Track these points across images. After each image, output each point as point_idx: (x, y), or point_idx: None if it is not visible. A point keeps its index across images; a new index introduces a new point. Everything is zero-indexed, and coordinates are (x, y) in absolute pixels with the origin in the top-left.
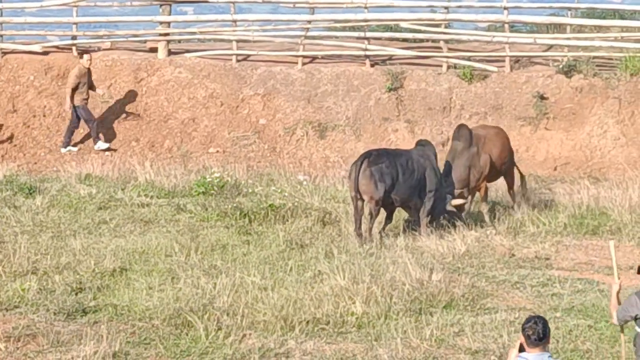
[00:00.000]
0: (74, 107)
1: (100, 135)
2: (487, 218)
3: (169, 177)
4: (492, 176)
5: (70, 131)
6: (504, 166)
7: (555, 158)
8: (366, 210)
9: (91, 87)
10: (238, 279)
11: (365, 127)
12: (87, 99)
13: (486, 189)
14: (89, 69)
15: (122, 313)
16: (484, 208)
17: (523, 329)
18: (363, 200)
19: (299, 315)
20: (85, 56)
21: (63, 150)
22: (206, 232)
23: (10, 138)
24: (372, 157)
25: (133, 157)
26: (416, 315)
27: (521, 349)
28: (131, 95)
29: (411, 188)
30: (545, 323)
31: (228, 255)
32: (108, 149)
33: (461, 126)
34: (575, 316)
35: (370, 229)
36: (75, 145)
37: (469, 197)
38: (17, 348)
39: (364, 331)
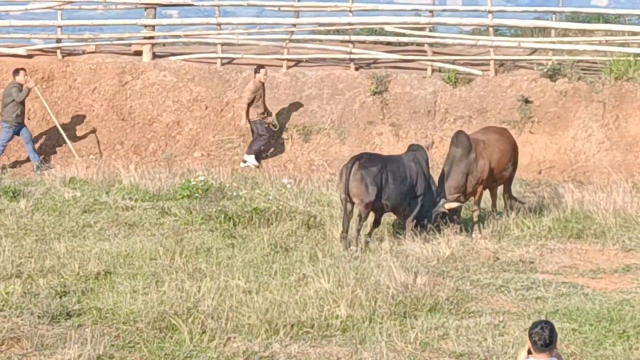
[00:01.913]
0: (250, 122)
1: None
2: (475, 223)
3: (153, 180)
4: (492, 181)
5: (258, 145)
6: (506, 172)
7: (539, 162)
8: (355, 213)
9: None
10: (222, 283)
11: (350, 130)
12: (264, 113)
13: (481, 193)
14: (263, 83)
15: (106, 316)
16: (475, 213)
17: (530, 335)
18: (353, 203)
19: (283, 319)
20: (262, 70)
21: (245, 163)
22: (191, 236)
23: (93, 131)
24: (364, 160)
25: (117, 161)
26: (401, 319)
27: (530, 351)
28: (116, 99)
29: (402, 194)
30: (552, 329)
31: (212, 258)
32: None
33: (459, 133)
34: (559, 320)
35: (358, 232)
36: (254, 157)
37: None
38: (1, 351)
39: (348, 334)
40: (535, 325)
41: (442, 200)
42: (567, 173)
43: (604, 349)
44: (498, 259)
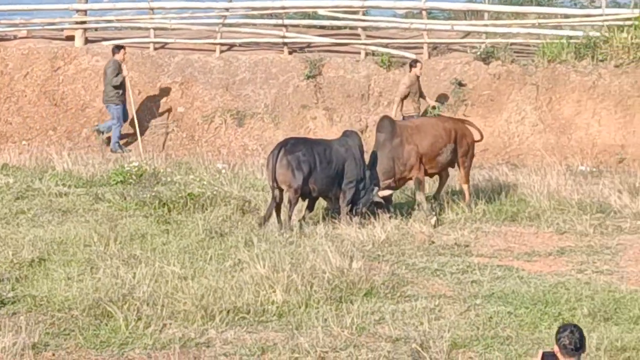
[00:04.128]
0: (404, 116)
1: None
2: (424, 208)
3: (86, 166)
4: (429, 167)
5: None
6: (441, 157)
7: None
8: (285, 199)
9: (421, 95)
10: (158, 269)
11: (284, 114)
12: (419, 107)
13: (419, 180)
14: (418, 77)
15: (41, 304)
16: (420, 199)
17: (558, 339)
18: (281, 189)
19: (219, 305)
20: (418, 64)
21: None
22: (125, 222)
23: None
24: (289, 146)
25: (50, 146)
26: (337, 304)
27: (543, 359)
28: (48, 84)
29: (329, 178)
30: (581, 332)
31: (147, 244)
32: None
33: (383, 117)
34: (495, 303)
35: (290, 217)
36: None
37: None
38: None
39: (284, 320)
40: (564, 329)
41: (375, 189)
42: (501, 156)
43: (540, 332)
44: (433, 242)
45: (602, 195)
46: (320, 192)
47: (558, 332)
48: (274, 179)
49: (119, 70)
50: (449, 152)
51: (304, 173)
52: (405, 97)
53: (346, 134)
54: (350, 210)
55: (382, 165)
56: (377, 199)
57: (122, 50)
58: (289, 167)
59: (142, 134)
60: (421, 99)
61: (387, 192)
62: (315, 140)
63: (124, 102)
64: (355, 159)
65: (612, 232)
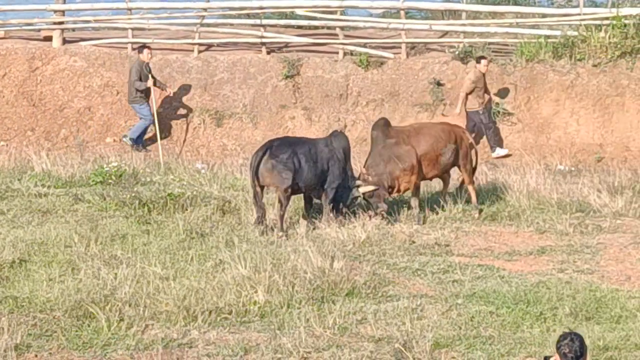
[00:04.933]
0: (468, 112)
1: (499, 141)
2: (415, 213)
3: (65, 166)
4: (434, 169)
5: (489, 135)
6: (443, 157)
7: None
8: (266, 198)
9: (486, 91)
10: (139, 269)
11: (262, 114)
12: (484, 103)
13: (416, 184)
14: (484, 73)
15: (23, 305)
16: (414, 204)
17: (558, 347)
18: (262, 189)
19: (201, 305)
20: (483, 61)
21: (493, 154)
22: (105, 222)
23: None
24: (274, 149)
25: (29, 147)
26: (319, 304)
27: None
28: (26, 85)
29: (315, 177)
30: (582, 340)
31: (128, 245)
32: (506, 156)
33: (379, 119)
34: (476, 302)
35: (282, 217)
36: None
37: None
38: None
39: (266, 320)
40: (564, 337)
41: (357, 184)
42: (480, 155)
43: (522, 332)
44: (414, 242)
45: (582, 194)
46: (307, 188)
47: (558, 341)
48: (255, 179)
49: (141, 72)
50: (450, 153)
51: (292, 172)
52: (470, 92)
53: (334, 134)
54: (332, 209)
55: (372, 160)
56: (357, 194)
57: (146, 50)
58: (275, 169)
59: (120, 134)
60: (485, 95)
61: (370, 188)
62: (300, 140)
63: (148, 102)
64: (338, 160)
65: (592, 231)
